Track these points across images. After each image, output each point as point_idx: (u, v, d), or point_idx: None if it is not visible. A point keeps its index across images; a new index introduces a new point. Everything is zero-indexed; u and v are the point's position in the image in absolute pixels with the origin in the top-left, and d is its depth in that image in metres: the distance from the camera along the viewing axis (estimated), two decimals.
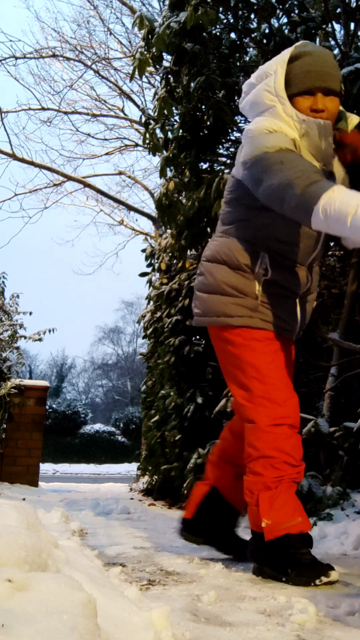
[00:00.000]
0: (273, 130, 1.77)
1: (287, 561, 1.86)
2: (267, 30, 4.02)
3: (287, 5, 3.97)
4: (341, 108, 1.89)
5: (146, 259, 6.08)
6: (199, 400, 4.68)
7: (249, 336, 1.92)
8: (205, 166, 4.22)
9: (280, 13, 4.09)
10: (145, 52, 3.98)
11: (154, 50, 3.89)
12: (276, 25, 4.06)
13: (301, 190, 1.58)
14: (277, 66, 1.84)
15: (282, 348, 1.96)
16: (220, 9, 3.96)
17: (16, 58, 10.78)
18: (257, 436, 1.88)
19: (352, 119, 1.92)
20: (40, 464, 6.77)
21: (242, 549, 2.21)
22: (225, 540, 2.32)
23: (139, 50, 4.03)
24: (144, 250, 6.14)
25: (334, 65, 1.84)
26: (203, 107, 4.02)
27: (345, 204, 1.46)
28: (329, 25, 3.99)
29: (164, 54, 4.03)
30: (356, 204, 1.45)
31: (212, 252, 1.99)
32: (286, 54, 1.87)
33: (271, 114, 1.82)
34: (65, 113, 11.76)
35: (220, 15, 4.01)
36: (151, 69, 5.08)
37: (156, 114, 4.14)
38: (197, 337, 5.02)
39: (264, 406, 1.88)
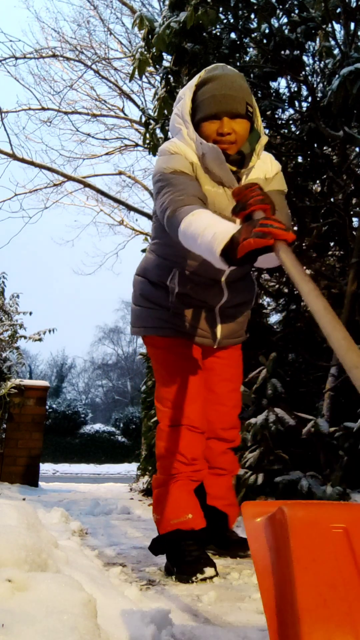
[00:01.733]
0: (174, 152, 1.88)
1: (175, 556, 1.93)
2: (267, 30, 4.02)
3: (287, 5, 3.97)
4: (260, 128, 1.92)
5: None
6: None
7: (161, 344, 2.08)
8: None
9: (280, 13, 4.09)
10: (145, 52, 3.98)
11: (154, 50, 3.89)
12: (276, 25, 4.06)
13: (171, 213, 1.73)
14: (186, 91, 1.94)
15: (193, 356, 2.07)
16: (220, 9, 3.96)
17: (16, 58, 10.79)
18: (158, 436, 2.05)
19: (262, 140, 1.95)
20: (40, 464, 6.77)
21: (227, 545, 2.26)
22: (216, 537, 2.31)
23: (139, 50, 4.03)
24: (144, 251, 6.14)
25: (240, 87, 1.87)
26: None
27: (198, 226, 1.56)
28: (329, 25, 3.99)
29: (164, 54, 4.03)
30: (206, 225, 1.54)
31: (139, 267, 2.18)
32: (195, 79, 1.94)
33: (179, 137, 1.93)
34: (65, 113, 11.76)
35: (220, 15, 4.01)
36: (151, 69, 5.09)
37: (156, 114, 4.14)
38: None
39: (165, 407, 2.03)
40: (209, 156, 1.84)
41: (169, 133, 2.07)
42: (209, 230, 1.51)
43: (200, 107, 1.88)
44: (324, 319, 1.16)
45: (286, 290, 5.19)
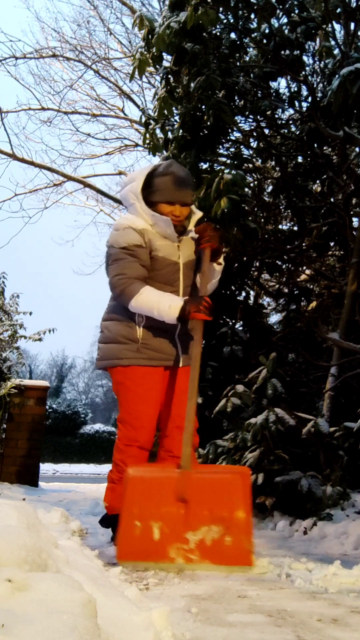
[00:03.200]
0: (126, 227, 2.51)
1: (114, 530, 2.47)
2: (267, 30, 4.02)
3: (287, 5, 3.97)
4: (192, 208, 2.67)
5: None
6: (199, 400, 4.67)
7: (130, 374, 2.56)
8: (205, 166, 4.22)
9: (280, 13, 4.08)
10: (145, 52, 3.98)
11: (154, 50, 3.89)
12: (276, 25, 4.06)
13: (120, 292, 2.49)
14: (140, 176, 2.58)
15: (158, 382, 2.59)
16: (220, 9, 3.96)
17: (16, 58, 10.76)
18: (115, 448, 2.66)
19: (196, 215, 2.69)
20: (40, 464, 6.75)
21: None
22: None
23: (139, 50, 4.02)
24: None
25: (190, 183, 2.59)
26: (203, 107, 4.01)
27: (150, 301, 2.42)
28: (329, 25, 3.99)
29: (164, 54, 4.03)
30: (157, 300, 2.42)
31: (107, 313, 2.70)
32: (148, 168, 2.61)
33: (132, 209, 2.57)
34: (65, 113, 11.74)
35: (220, 15, 4.01)
36: (151, 69, 5.09)
37: (156, 114, 4.13)
38: None
39: (123, 429, 2.61)
40: (161, 225, 2.51)
41: (123, 201, 2.66)
42: (162, 304, 2.40)
43: (158, 192, 2.52)
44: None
45: (286, 290, 5.19)
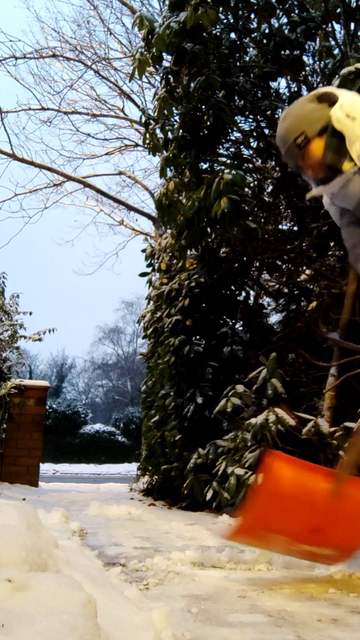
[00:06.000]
0: None
1: None
2: (267, 30, 4.02)
3: (287, 5, 3.97)
4: None
5: (146, 259, 6.08)
6: (199, 400, 4.68)
7: None
8: (205, 166, 4.22)
9: (280, 13, 4.08)
10: (145, 52, 3.97)
11: (154, 51, 3.89)
12: (276, 25, 4.06)
13: None
14: None
15: None
16: (220, 9, 3.96)
17: (16, 58, 10.77)
18: None
19: None
20: (40, 464, 6.75)
21: None
22: None
23: (139, 50, 4.02)
24: (144, 251, 6.14)
25: None
26: (203, 107, 4.01)
27: None
28: (329, 25, 3.99)
29: (164, 54, 4.03)
30: None
31: None
32: None
33: None
34: (65, 113, 11.75)
35: (220, 15, 4.00)
36: (151, 69, 5.09)
37: (156, 114, 4.13)
38: (197, 337, 5.02)
39: None
40: None
41: None
42: None
43: None
44: None
45: (286, 291, 5.19)
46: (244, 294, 5.32)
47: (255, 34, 4.13)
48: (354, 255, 2.01)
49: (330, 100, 1.78)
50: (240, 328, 5.04)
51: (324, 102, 1.79)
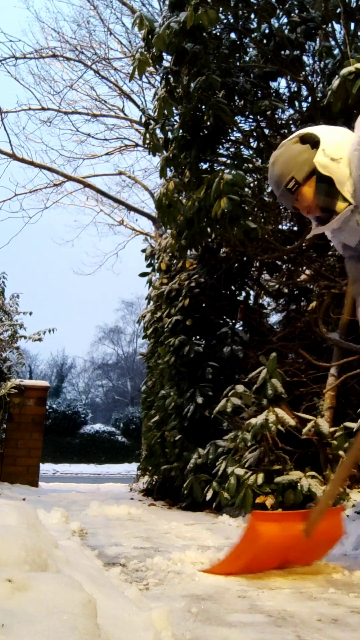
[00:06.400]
0: None
1: None
2: (267, 30, 4.02)
3: (287, 5, 3.97)
4: None
5: (146, 259, 6.08)
6: (199, 400, 4.68)
7: None
8: (205, 166, 4.22)
9: (280, 13, 4.08)
10: (145, 52, 3.97)
11: (154, 50, 3.89)
12: (276, 25, 4.06)
13: None
14: None
15: None
16: (220, 9, 3.96)
17: (16, 58, 10.77)
18: None
19: None
20: (40, 464, 6.75)
21: None
22: None
23: (139, 50, 4.02)
24: (144, 250, 6.14)
25: None
26: (203, 107, 4.01)
27: None
28: (329, 25, 3.99)
29: (164, 54, 4.03)
30: None
31: None
32: None
33: None
34: (65, 113, 11.75)
35: (220, 15, 4.00)
36: (151, 69, 5.09)
37: (156, 114, 4.13)
38: (197, 337, 5.02)
39: None
40: None
41: None
42: None
43: None
44: None
45: (286, 291, 5.19)
46: (244, 294, 5.33)
47: (255, 34, 4.13)
48: (356, 289, 2.06)
49: (312, 141, 1.78)
50: (240, 328, 5.04)
51: (307, 144, 1.79)
